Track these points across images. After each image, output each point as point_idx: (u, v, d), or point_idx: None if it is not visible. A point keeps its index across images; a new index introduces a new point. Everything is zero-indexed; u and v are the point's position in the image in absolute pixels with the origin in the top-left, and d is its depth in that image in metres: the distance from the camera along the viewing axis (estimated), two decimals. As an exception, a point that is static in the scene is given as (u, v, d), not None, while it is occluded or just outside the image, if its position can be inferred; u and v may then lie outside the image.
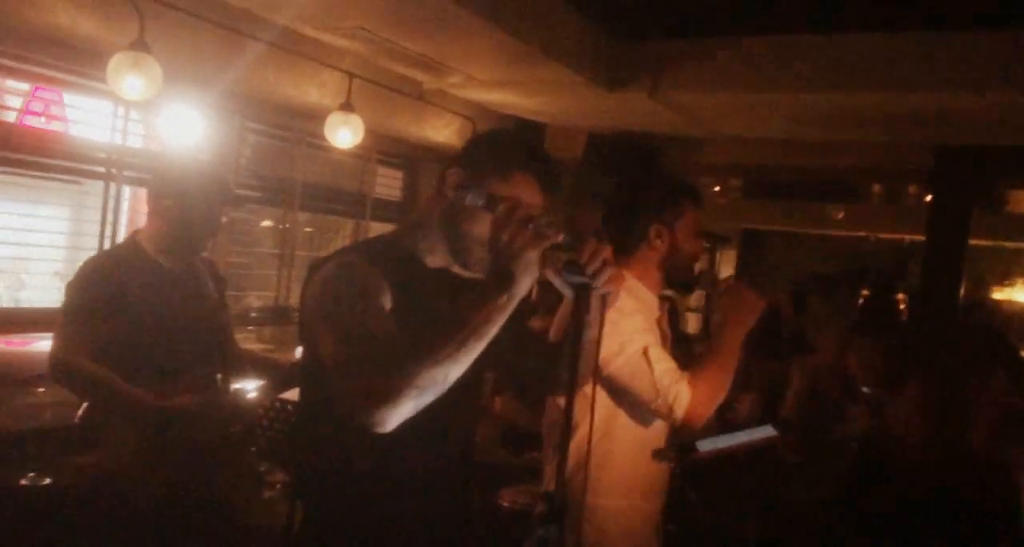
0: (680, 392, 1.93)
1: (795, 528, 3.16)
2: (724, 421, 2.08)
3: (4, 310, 3.57)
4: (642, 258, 2.10)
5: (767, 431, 2.21)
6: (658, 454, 1.98)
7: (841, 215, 7.93)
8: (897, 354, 3.48)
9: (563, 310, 2.06)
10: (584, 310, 1.38)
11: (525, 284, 1.33)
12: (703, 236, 2.21)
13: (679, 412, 1.94)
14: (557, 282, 1.39)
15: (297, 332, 1.56)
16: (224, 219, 2.59)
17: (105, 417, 2.36)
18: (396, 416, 1.29)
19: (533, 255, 1.33)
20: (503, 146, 1.58)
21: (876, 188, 7.83)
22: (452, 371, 1.32)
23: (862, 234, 9.15)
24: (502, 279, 1.32)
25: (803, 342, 4.56)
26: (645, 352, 1.95)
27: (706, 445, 2.05)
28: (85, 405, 2.43)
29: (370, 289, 1.43)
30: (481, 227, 1.47)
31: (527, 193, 1.50)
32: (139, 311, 2.37)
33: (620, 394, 1.99)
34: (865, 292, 8.70)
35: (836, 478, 3.14)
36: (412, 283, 1.50)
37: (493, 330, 1.33)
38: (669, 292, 2.33)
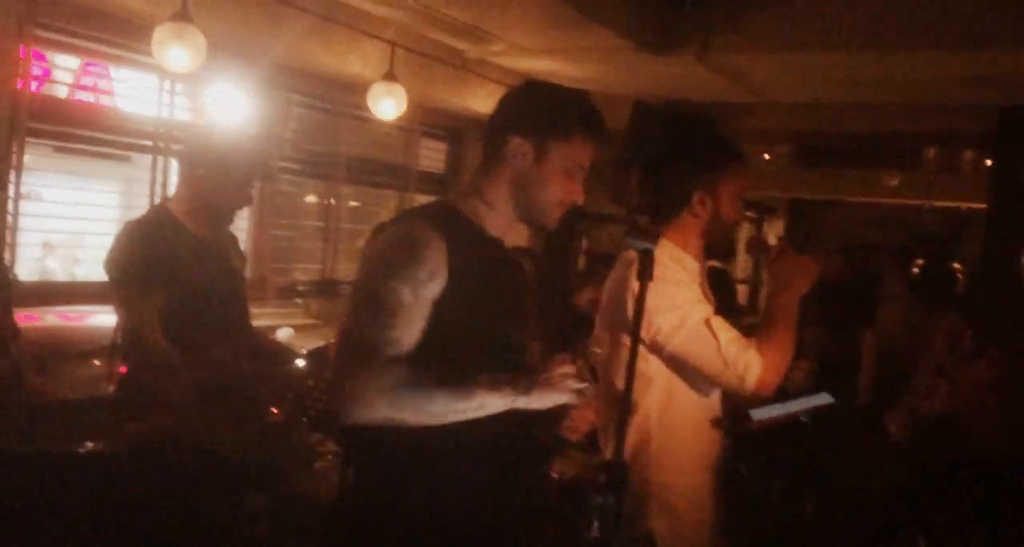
0: (750, 361, 1.84)
1: (852, 504, 3.09)
2: (778, 389, 2.01)
3: (60, 284, 3.63)
4: (683, 225, 2.01)
5: (823, 398, 2.14)
6: (715, 423, 1.93)
7: (895, 182, 7.68)
8: (973, 329, 3.36)
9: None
10: (647, 275, 1.45)
11: (534, 406, 1.48)
12: (747, 204, 2.13)
13: (751, 382, 1.85)
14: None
15: None
16: (254, 192, 2.56)
17: (145, 387, 2.32)
18: (363, 420, 1.40)
19: (559, 398, 1.47)
20: (561, 108, 1.57)
21: (931, 153, 7.55)
22: (432, 422, 1.43)
23: (917, 202, 8.87)
24: (523, 391, 1.46)
25: (870, 313, 4.47)
26: (707, 322, 1.87)
27: (760, 414, 1.99)
28: (124, 372, 2.41)
29: (419, 266, 1.43)
30: (552, 191, 1.55)
31: (585, 153, 1.56)
32: (183, 278, 2.35)
33: (683, 368, 1.92)
34: (919, 261, 8.45)
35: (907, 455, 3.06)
36: (474, 251, 1.51)
37: (482, 414, 1.44)
38: (714, 262, 2.26)
